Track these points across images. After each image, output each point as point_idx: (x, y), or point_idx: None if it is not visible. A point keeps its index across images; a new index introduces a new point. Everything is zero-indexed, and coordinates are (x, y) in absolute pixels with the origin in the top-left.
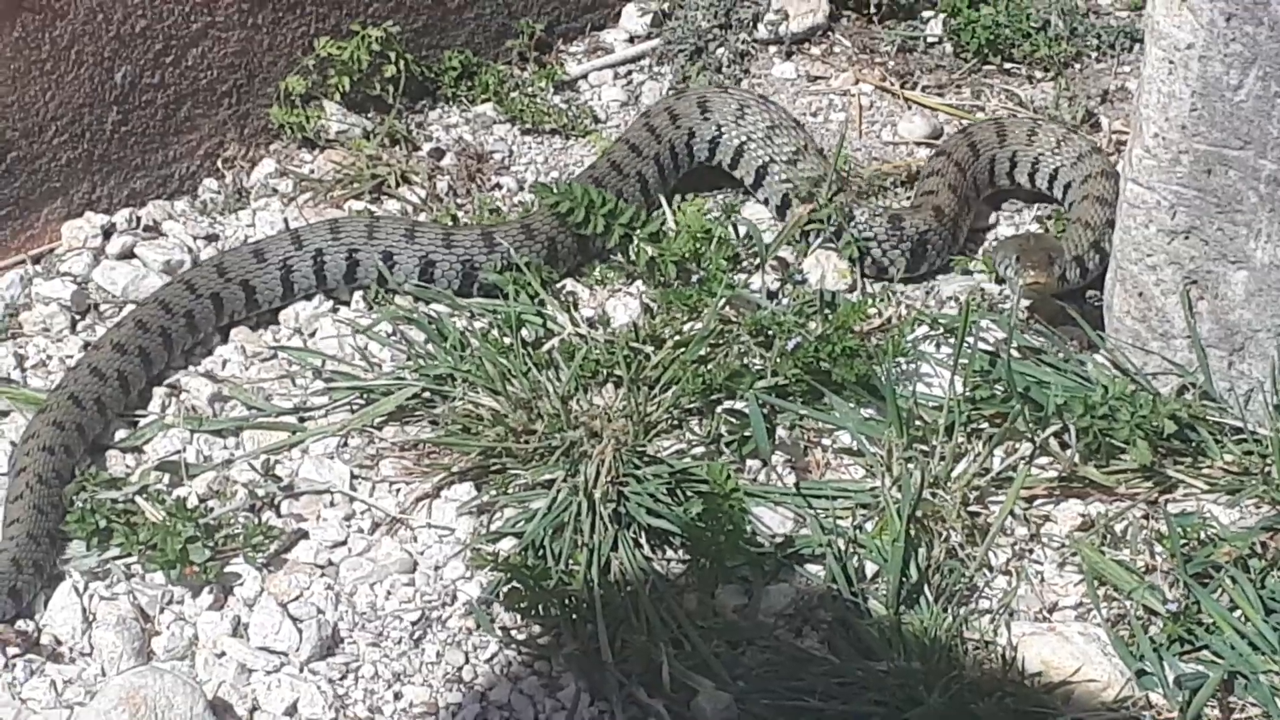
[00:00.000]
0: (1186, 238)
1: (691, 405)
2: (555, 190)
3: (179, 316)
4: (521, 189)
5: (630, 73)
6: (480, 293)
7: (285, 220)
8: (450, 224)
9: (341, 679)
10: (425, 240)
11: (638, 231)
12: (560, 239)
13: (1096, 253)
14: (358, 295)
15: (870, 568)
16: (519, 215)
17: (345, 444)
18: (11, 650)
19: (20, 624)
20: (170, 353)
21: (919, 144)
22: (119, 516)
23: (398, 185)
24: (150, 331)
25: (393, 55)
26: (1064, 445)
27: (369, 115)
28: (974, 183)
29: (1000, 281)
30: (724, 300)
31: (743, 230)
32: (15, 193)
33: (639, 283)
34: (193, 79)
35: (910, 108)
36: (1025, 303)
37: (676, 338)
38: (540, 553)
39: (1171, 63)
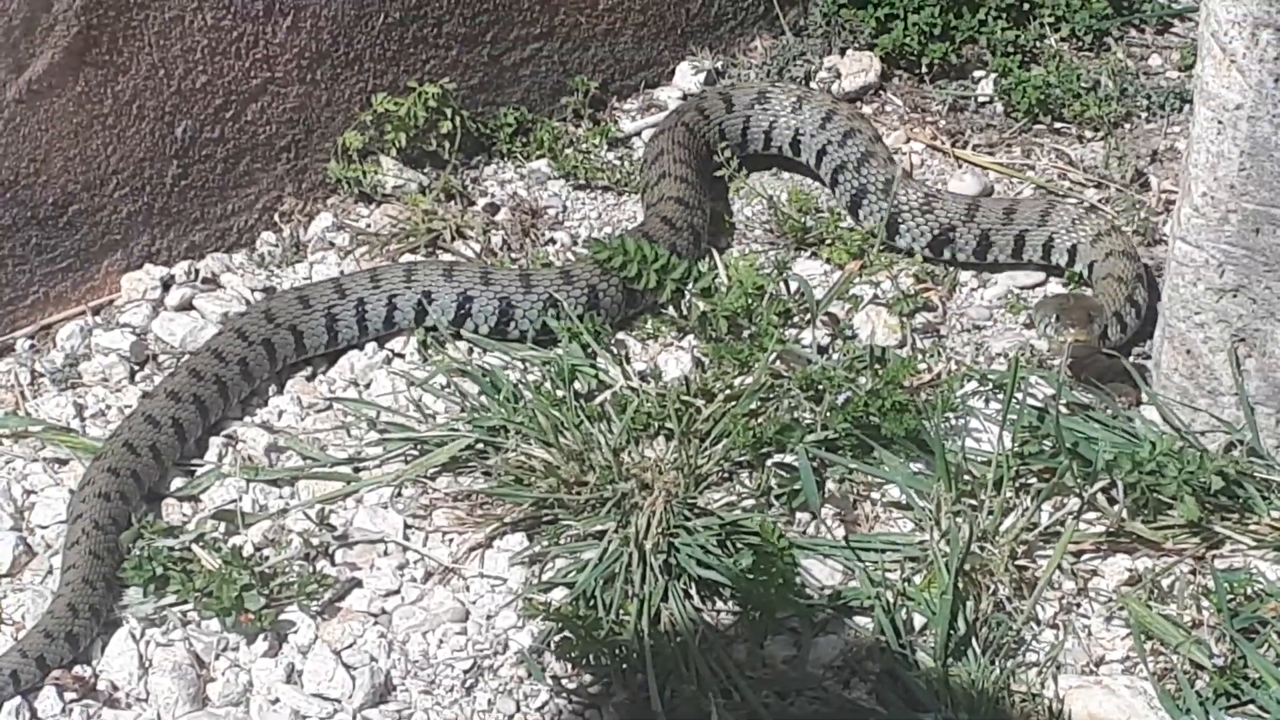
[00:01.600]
0: (1235, 296)
1: (742, 458)
2: (609, 246)
3: (233, 364)
4: (575, 244)
5: None
6: (522, 337)
7: (341, 274)
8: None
9: None
10: (463, 278)
11: (689, 286)
12: (603, 288)
13: (1132, 306)
14: (412, 347)
15: (918, 620)
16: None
17: (399, 494)
18: (69, 695)
19: (77, 669)
20: (227, 401)
21: None
22: (175, 564)
23: (453, 239)
24: (205, 379)
25: (449, 111)
26: (1112, 501)
27: (425, 170)
28: None
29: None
30: (775, 355)
31: (794, 286)
32: (76, 245)
33: (690, 337)
34: (252, 134)
35: (961, 166)
36: (1068, 361)
37: (727, 391)
38: (591, 603)
39: (1220, 123)
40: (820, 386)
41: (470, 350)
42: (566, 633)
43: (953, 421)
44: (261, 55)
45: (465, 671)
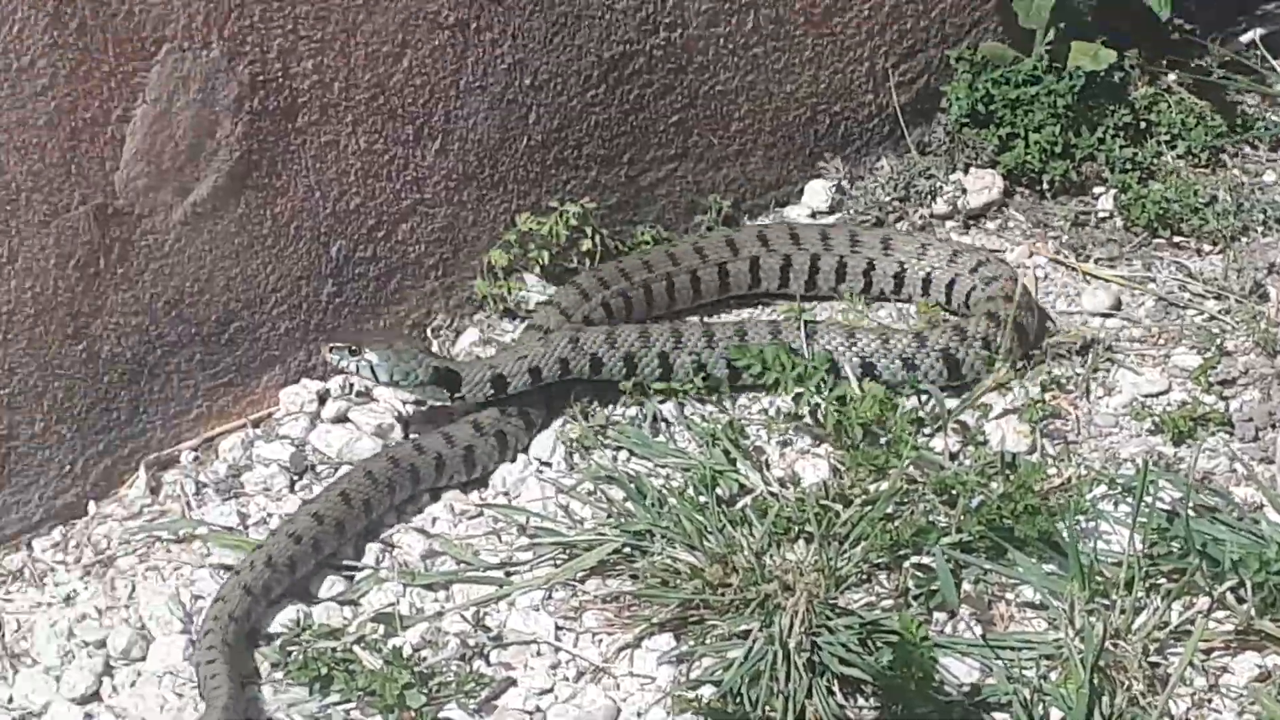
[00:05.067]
0: None
1: (880, 560)
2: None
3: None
4: None
5: None
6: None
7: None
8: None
9: None
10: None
11: (823, 395)
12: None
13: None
14: (560, 455)
15: (1055, 715)
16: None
17: (550, 597)
18: None
19: None
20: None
21: (1097, 315)
22: (338, 664)
23: None
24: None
25: (589, 230)
26: (1240, 599)
27: None
28: None
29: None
30: (909, 461)
31: (926, 397)
32: (237, 360)
33: (826, 445)
34: (402, 253)
35: (1089, 281)
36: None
37: (864, 496)
38: (738, 700)
39: None
40: (954, 491)
41: (614, 458)
42: None
43: (1084, 524)
44: (411, 178)
45: None
